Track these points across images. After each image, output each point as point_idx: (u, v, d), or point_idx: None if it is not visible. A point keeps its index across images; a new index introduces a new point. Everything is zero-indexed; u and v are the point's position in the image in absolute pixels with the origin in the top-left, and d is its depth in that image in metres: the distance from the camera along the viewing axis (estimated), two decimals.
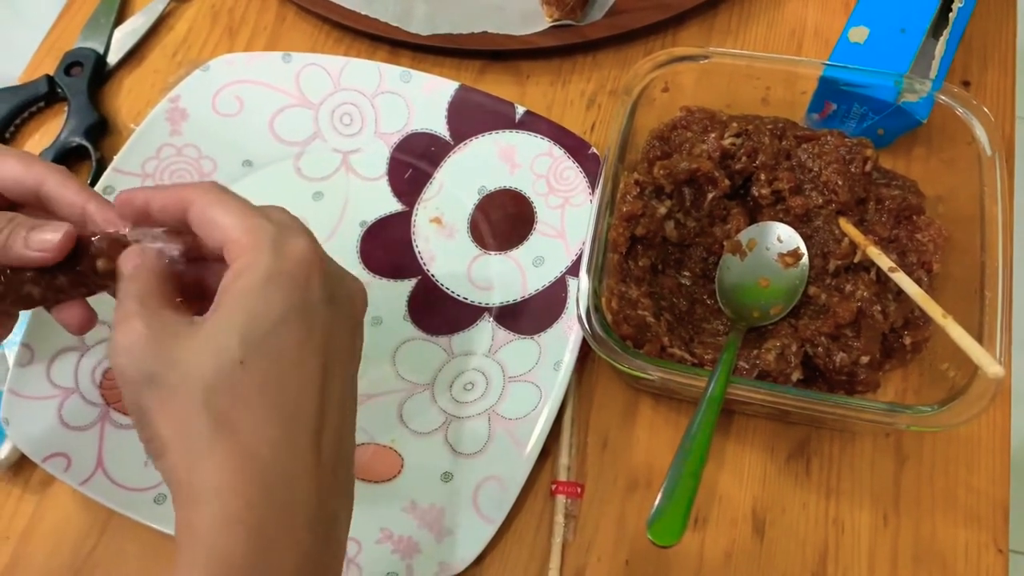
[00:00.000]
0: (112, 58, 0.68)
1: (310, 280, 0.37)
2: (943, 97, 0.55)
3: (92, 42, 0.68)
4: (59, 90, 0.66)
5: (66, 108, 0.65)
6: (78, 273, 0.42)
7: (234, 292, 0.36)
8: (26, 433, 0.52)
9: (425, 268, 0.59)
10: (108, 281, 0.42)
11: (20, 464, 0.54)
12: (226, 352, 0.35)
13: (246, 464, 0.34)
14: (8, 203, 0.44)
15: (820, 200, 0.55)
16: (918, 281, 0.51)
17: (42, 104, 0.66)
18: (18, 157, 0.43)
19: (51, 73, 0.67)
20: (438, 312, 0.57)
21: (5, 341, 0.55)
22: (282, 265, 0.36)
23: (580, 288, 0.49)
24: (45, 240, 0.40)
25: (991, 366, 0.43)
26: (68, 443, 0.52)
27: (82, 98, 0.65)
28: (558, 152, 0.60)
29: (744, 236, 0.55)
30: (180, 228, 0.40)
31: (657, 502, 0.42)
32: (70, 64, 0.67)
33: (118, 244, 0.41)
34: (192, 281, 0.42)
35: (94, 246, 0.41)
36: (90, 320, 0.44)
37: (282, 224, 0.38)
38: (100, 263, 0.42)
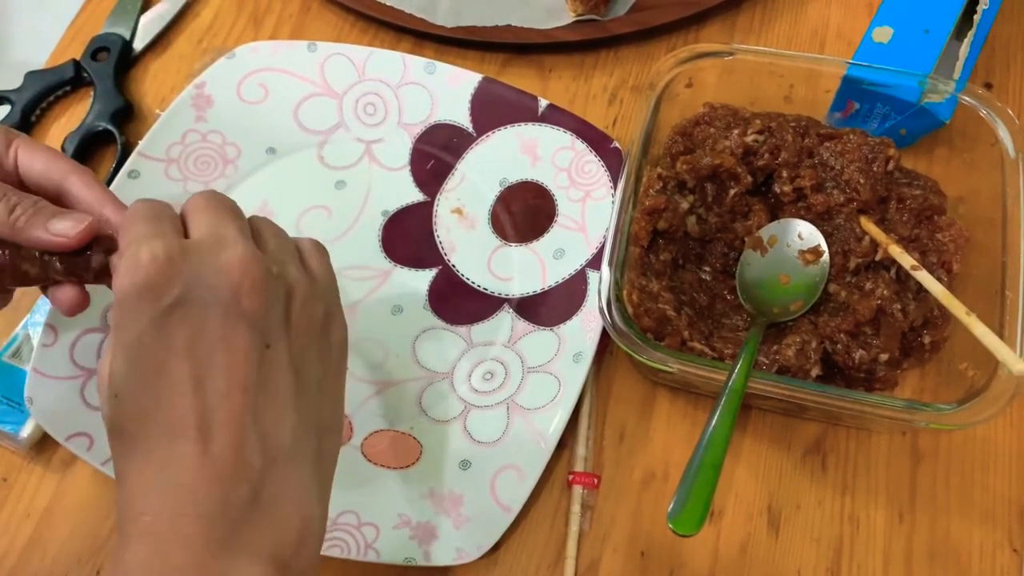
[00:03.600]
0: (138, 44, 0.68)
1: (154, 290, 0.35)
2: (966, 98, 0.55)
3: (118, 28, 0.68)
4: (85, 75, 0.67)
5: (92, 93, 0.66)
6: (75, 263, 0.43)
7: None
8: (49, 412, 0.52)
9: (446, 258, 0.59)
10: (102, 277, 0.44)
11: (43, 443, 0.54)
12: (104, 392, 0.37)
13: (136, 484, 0.35)
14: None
15: (841, 198, 0.55)
16: (938, 280, 0.51)
17: (68, 88, 0.67)
18: (47, 151, 0.45)
19: (77, 58, 0.67)
20: (458, 302, 0.58)
21: (29, 320, 0.56)
22: (126, 283, 0.36)
23: (602, 280, 0.50)
24: (67, 227, 0.41)
25: (1016, 364, 0.43)
26: (91, 423, 0.52)
27: (108, 83, 0.66)
28: (580, 146, 0.60)
29: (765, 232, 0.55)
30: None
31: (678, 491, 0.42)
32: (96, 49, 0.67)
33: (114, 244, 0.43)
34: None
35: (95, 243, 0.43)
36: (80, 303, 0.45)
37: (142, 236, 0.37)
38: (95, 260, 0.43)
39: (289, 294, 0.38)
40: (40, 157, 0.45)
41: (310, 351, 0.39)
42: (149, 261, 0.35)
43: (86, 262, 0.43)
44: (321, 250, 0.43)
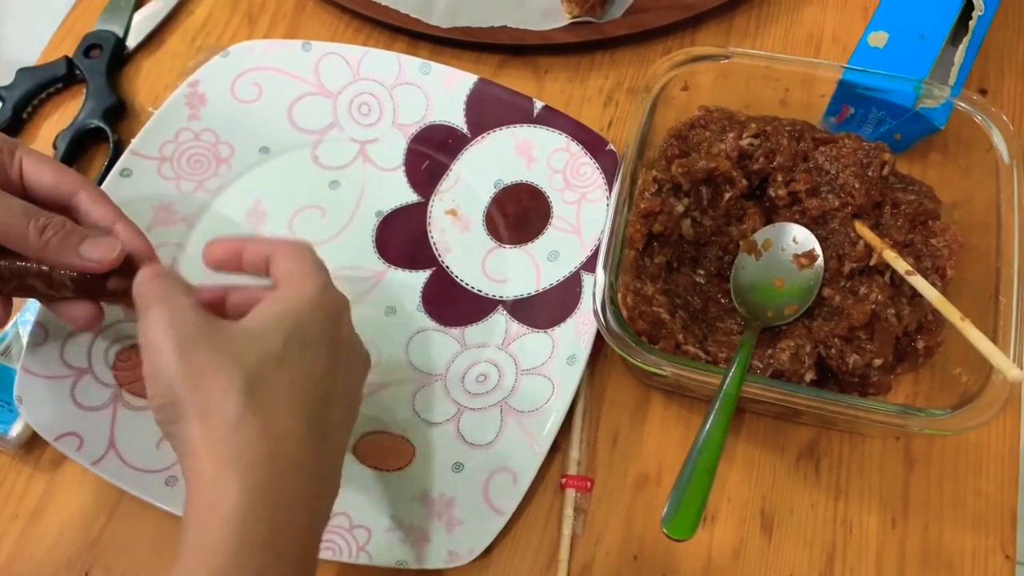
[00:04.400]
0: (131, 41, 0.68)
1: (340, 323, 0.43)
2: (962, 104, 0.55)
3: (111, 25, 0.68)
4: (77, 72, 0.66)
5: (84, 90, 0.65)
6: (91, 285, 0.44)
7: (282, 304, 0.40)
8: (39, 412, 0.52)
9: (440, 259, 0.59)
10: (116, 298, 0.45)
11: (32, 443, 0.54)
12: (270, 348, 0.38)
13: (271, 444, 0.37)
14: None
15: (836, 203, 0.55)
16: (932, 286, 0.51)
17: (60, 86, 0.66)
18: (54, 164, 0.47)
19: (70, 55, 0.67)
20: (452, 303, 0.57)
21: (19, 319, 0.55)
22: (325, 300, 0.42)
23: (596, 283, 0.50)
24: (100, 254, 0.44)
25: (1011, 369, 0.43)
26: (80, 423, 0.52)
27: (100, 80, 0.65)
28: (575, 148, 0.60)
29: (760, 236, 0.55)
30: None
31: (671, 496, 0.42)
32: (89, 46, 0.67)
33: (133, 264, 0.44)
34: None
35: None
36: (97, 319, 0.47)
37: (327, 274, 0.43)
38: (113, 282, 0.44)
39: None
40: (47, 170, 0.46)
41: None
42: (341, 301, 0.43)
43: (102, 284, 0.44)
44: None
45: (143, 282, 0.41)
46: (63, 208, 0.46)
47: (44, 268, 0.44)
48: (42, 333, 0.53)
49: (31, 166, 0.46)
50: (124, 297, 0.44)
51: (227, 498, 0.35)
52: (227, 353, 0.37)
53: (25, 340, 0.54)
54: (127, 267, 0.44)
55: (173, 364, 0.37)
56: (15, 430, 0.53)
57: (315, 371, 0.40)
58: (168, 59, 0.68)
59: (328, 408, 0.40)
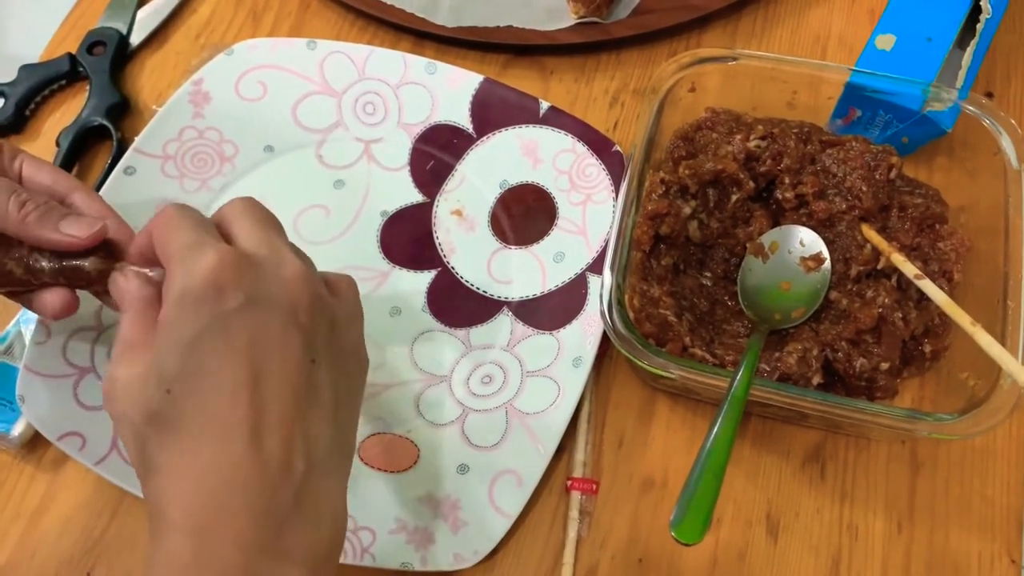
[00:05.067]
0: (135, 39, 0.68)
1: (221, 292, 0.36)
2: (969, 107, 0.55)
3: (115, 22, 0.68)
4: (80, 69, 0.66)
5: (87, 87, 0.65)
6: (68, 268, 0.44)
7: (159, 322, 0.37)
8: (41, 411, 0.51)
9: (445, 260, 0.58)
10: (93, 283, 0.44)
11: (34, 442, 0.54)
12: (153, 386, 0.36)
13: (183, 479, 0.35)
14: None
15: (844, 206, 0.55)
16: (939, 290, 0.51)
17: (63, 83, 0.66)
18: (52, 167, 0.48)
19: (73, 52, 0.66)
20: (457, 304, 0.57)
21: (21, 318, 0.55)
22: (189, 283, 0.36)
23: (603, 284, 0.49)
24: (79, 228, 0.43)
25: (1021, 374, 0.43)
26: (83, 422, 0.51)
27: (104, 78, 0.65)
28: (581, 148, 0.60)
29: (767, 239, 0.55)
30: None
31: (680, 499, 0.42)
32: (92, 43, 0.67)
33: (116, 250, 0.44)
34: None
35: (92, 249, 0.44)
36: (70, 307, 0.46)
37: (196, 242, 0.37)
38: (91, 264, 0.43)
39: (333, 318, 0.40)
40: (46, 171, 0.47)
41: (343, 374, 0.40)
42: (216, 263, 0.36)
43: (79, 267, 0.44)
44: (352, 282, 0.44)
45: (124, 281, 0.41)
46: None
47: (21, 252, 0.44)
48: (45, 332, 0.53)
49: (30, 167, 0.47)
50: (100, 281, 0.43)
51: (157, 535, 0.35)
52: (122, 402, 0.37)
53: (28, 339, 0.53)
54: (107, 250, 0.44)
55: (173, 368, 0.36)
56: (17, 429, 0.53)
57: (206, 381, 0.36)
58: (172, 57, 0.68)
59: (242, 402, 0.36)
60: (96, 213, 0.46)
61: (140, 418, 0.36)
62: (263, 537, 0.35)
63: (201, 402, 0.35)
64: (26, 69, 0.66)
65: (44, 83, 0.65)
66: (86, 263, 0.44)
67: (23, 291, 0.46)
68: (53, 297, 0.45)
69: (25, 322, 0.55)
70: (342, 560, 0.48)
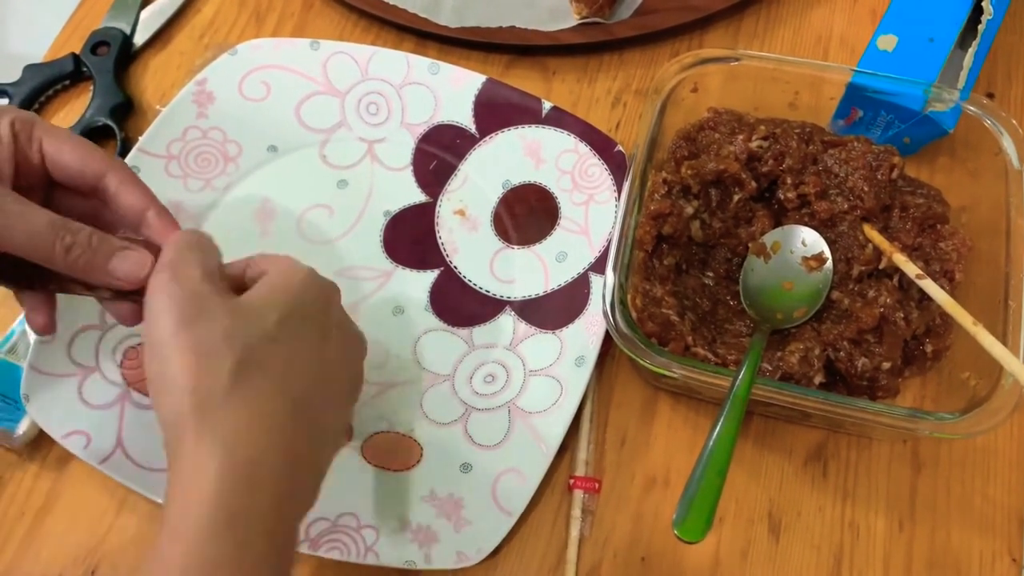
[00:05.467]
0: (138, 39, 0.68)
1: (330, 305, 0.43)
2: (971, 108, 0.55)
3: (119, 22, 0.68)
4: (84, 69, 0.66)
5: (91, 87, 0.65)
6: (128, 293, 0.43)
7: (276, 284, 0.40)
8: (46, 410, 0.52)
9: (448, 260, 0.59)
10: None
11: (39, 441, 0.54)
12: (264, 326, 0.38)
13: (254, 424, 0.37)
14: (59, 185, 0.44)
15: (845, 205, 0.55)
16: (940, 289, 0.51)
17: (67, 83, 0.66)
18: (77, 145, 0.43)
19: (77, 52, 0.66)
20: (460, 304, 0.57)
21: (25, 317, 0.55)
22: (315, 282, 0.42)
23: (606, 284, 0.50)
24: (129, 271, 0.42)
25: None
26: (88, 421, 0.52)
27: (108, 78, 0.65)
28: (584, 149, 0.60)
29: (769, 239, 0.55)
30: None
31: (683, 498, 0.42)
32: (96, 43, 0.67)
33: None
34: None
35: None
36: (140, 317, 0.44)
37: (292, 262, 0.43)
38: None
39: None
40: (69, 150, 0.43)
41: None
42: (330, 284, 0.43)
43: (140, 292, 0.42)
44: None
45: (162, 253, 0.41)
46: (91, 191, 0.44)
47: (78, 286, 0.43)
48: None
49: (52, 146, 0.43)
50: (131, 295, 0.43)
51: (206, 474, 0.35)
52: (220, 330, 0.37)
53: (32, 338, 0.54)
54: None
55: (170, 339, 0.36)
56: (22, 428, 0.53)
57: (304, 352, 0.39)
58: (176, 57, 0.68)
59: (315, 391, 0.40)
60: (136, 203, 0.43)
61: (237, 344, 0.37)
62: (285, 504, 0.38)
63: (291, 362, 0.39)
64: (30, 69, 0.66)
65: (48, 83, 0.66)
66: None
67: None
68: (126, 310, 0.44)
69: None
70: (345, 558, 0.48)
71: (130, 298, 0.43)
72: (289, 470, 0.37)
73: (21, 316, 0.56)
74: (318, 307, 0.41)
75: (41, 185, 0.44)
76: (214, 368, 0.36)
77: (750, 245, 0.55)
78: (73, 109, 0.66)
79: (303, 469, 0.39)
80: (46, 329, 0.46)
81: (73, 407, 0.52)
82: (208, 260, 0.40)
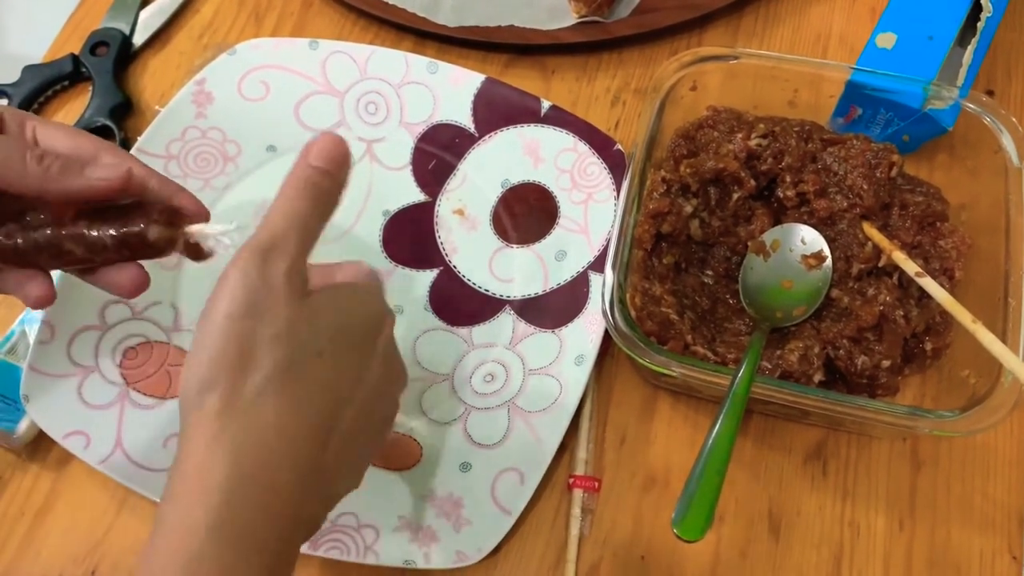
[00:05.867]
0: (137, 39, 0.68)
1: (381, 334, 0.40)
2: (970, 105, 0.55)
3: (118, 22, 0.68)
4: (84, 69, 0.66)
5: (90, 88, 0.65)
6: (126, 237, 0.41)
7: (338, 295, 0.39)
8: (45, 410, 0.52)
9: (447, 259, 0.59)
10: (158, 251, 0.42)
11: (38, 441, 0.54)
12: (316, 337, 0.36)
13: (270, 435, 0.35)
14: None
15: (845, 204, 0.55)
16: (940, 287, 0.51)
17: (66, 83, 0.66)
18: (69, 131, 0.44)
19: (76, 52, 0.66)
20: (459, 303, 0.57)
21: (25, 317, 0.55)
22: (374, 307, 0.41)
23: (605, 283, 0.50)
24: (105, 173, 0.41)
25: (1023, 371, 0.43)
26: (88, 421, 0.52)
27: (107, 78, 0.65)
28: (583, 148, 0.60)
29: (768, 237, 0.55)
30: None
31: (682, 496, 0.42)
32: (95, 44, 0.67)
33: (179, 217, 0.42)
34: None
35: (152, 213, 0.42)
36: (143, 283, 0.44)
37: (381, 285, 0.43)
38: (154, 230, 0.41)
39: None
40: (63, 134, 0.43)
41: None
42: (386, 306, 0.42)
43: (142, 235, 0.42)
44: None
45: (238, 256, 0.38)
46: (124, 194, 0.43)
47: (78, 230, 0.42)
48: (49, 331, 0.53)
49: (45, 134, 0.43)
50: (170, 248, 0.42)
51: (213, 481, 0.34)
52: (273, 331, 0.35)
53: (32, 338, 0.54)
54: (169, 218, 0.42)
55: (223, 320, 0.35)
56: (22, 428, 0.53)
57: (345, 375, 0.38)
58: (175, 57, 0.68)
59: (344, 419, 0.38)
60: (136, 175, 0.43)
61: (293, 344, 0.36)
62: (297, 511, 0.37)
63: (330, 384, 0.37)
64: (29, 70, 0.66)
65: (47, 84, 0.66)
66: (149, 235, 0.42)
67: (90, 267, 0.44)
68: (124, 277, 0.44)
69: (29, 321, 0.56)
70: (345, 557, 0.48)
71: (134, 253, 0.42)
72: (300, 495, 0.36)
73: (21, 316, 0.56)
74: (370, 333, 0.40)
75: None
76: (252, 369, 0.35)
77: (749, 243, 0.55)
78: (72, 109, 0.66)
79: (314, 496, 0.37)
80: (47, 299, 0.44)
81: (73, 407, 0.52)
82: (302, 252, 0.38)
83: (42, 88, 0.65)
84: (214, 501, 0.33)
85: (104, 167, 0.42)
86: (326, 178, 0.38)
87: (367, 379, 0.39)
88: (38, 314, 0.54)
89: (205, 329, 0.35)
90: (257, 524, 0.35)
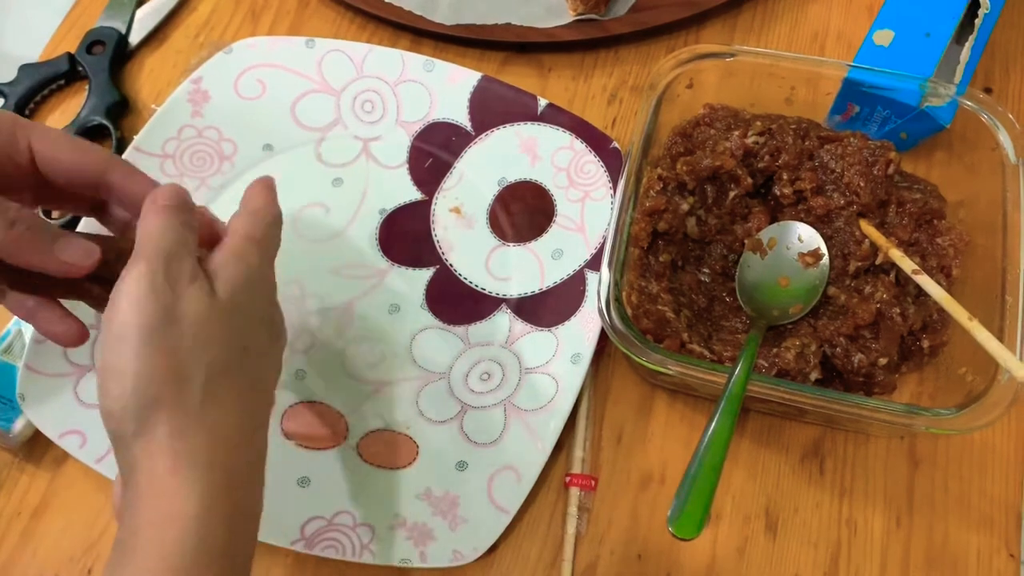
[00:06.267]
0: (134, 38, 0.68)
1: (275, 305, 0.42)
2: (967, 102, 0.54)
3: (114, 21, 0.68)
4: (80, 68, 0.66)
5: (87, 87, 0.65)
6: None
7: (241, 279, 0.39)
8: (42, 409, 0.52)
9: (443, 258, 0.59)
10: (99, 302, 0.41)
11: (34, 440, 0.54)
12: (232, 336, 0.37)
13: (223, 442, 0.36)
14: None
15: (842, 201, 0.54)
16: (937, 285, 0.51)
17: (63, 82, 0.66)
18: (71, 142, 0.41)
19: (72, 51, 0.66)
20: (455, 302, 0.57)
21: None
22: (268, 279, 0.41)
23: (601, 281, 0.50)
24: (75, 257, 0.39)
25: (1019, 369, 0.43)
26: (84, 420, 0.52)
27: (103, 77, 0.65)
28: (580, 146, 0.60)
29: (765, 235, 0.55)
30: None
31: (677, 495, 0.42)
32: (92, 43, 0.67)
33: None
34: None
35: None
36: (82, 335, 0.43)
37: (275, 239, 0.43)
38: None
39: None
40: (66, 148, 0.41)
41: None
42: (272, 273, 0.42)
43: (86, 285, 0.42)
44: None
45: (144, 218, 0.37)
46: (90, 188, 0.41)
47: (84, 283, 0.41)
48: None
49: (42, 144, 0.40)
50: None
51: (187, 501, 0.33)
52: (195, 338, 0.35)
53: (28, 337, 0.54)
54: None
55: (141, 335, 0.34)
56: (18, 427, 0.53)
57: (257, 362, 0.38)
58: (171, 56, 0.68)
59: (259, 401, 0.38)
60: (143, 191, 0.40)
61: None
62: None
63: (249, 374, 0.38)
64: (25, 69, 0.66)
65: (43, 83, 0.66)
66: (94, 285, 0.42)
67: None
68: (62, 327, 0.42)
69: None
70: (341, 556, 0.48)
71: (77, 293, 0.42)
72: (259, 485, 0.36)
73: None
74: (269, 308, 0.40)
75: (28, 185, 0.41)
76: (189, 379, 0.34)
77: (746, 241, 0.55)
78: (68, 108, 0.66)
79: (260, 490, 0.38)
80: (81, 336, 0.43)
81: (69, 407, 0.52)
82: (192, 245, 0.38)
83: (38, 87, 0.65)
84: (191, 525, 0.33)
85: (74, 248, 0.39)
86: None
87: (276, 348, 0.41)
88: None
89: (118, 348, 0.34)
90: (235, 531, 0.34)
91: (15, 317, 0.55)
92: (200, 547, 0.33)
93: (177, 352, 0.34)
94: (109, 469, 0.50)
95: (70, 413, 0.52)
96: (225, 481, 0.34)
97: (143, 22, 0.68)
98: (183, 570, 0.32)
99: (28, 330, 0.54)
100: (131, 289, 0.35)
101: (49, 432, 0.51)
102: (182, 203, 0.39)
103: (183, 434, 0.34)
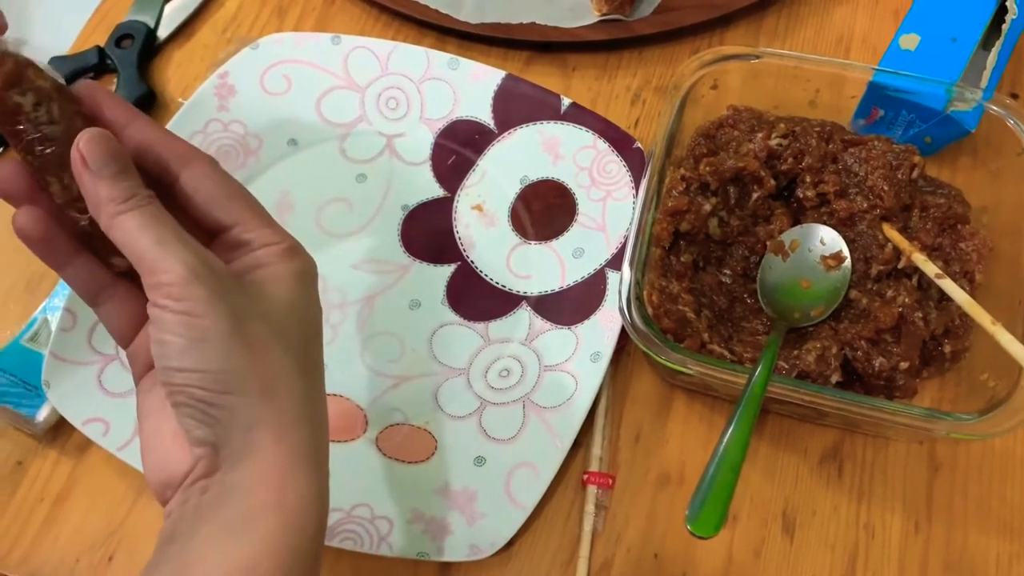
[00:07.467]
0: (162, 32, 0.69)
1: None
2: (993, 107, 0.54)
3: (143, 15, 0.69)
4: (109, 61, 0.67)
5: (115, 80, 0.66)
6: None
7: (297, 277, 0.37)
8: (66, 397, 0.52)
9: (465, 254, 0.59)
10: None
11: (58, 427, 0.54)
12: (306, 327, 0.37)
13: (321, 434, 0.37)
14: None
15: (865, 205, 0.54)
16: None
17: (91, 75, 0.67)
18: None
19: (102, 44, 0.67)
20: (476, 298, 0.57)
21: (48, 305, 0.56)
22: (314, 274, 0.40)
23: (623, 280, 0.50)
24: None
25: None
26: (107, 408, 0.52)
27: (131, 70, 0.66)
28: (602, 145, 0.60)
29: (787, 237, 0.55)
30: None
31: (696, 493, 0.42)
32: (121, 36, 0.67)
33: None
34: None
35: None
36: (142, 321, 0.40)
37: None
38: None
39: None
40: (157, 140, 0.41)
41: None
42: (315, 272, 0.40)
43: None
44: None
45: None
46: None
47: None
48: (70, 319, 0.54)
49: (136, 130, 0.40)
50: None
51: (298, 496, 0.33)
52: (275, 325, 0.34)
53: (54, 326, 0.54)
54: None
55: (228, 331, 0.32)
56: (42, 414, 0.54)
57: (320, 351, 0.39)
58: (198, 50, 0.69)
59: (321, 374, 0.39)
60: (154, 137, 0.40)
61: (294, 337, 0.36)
62: None
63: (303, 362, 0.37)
64: (55, 61, 0.67)
65: (72, 75, 0.66)
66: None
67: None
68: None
69: (51, 309, 0.56)
70: (359, 548, 0.49)
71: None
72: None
73: (43, 304, 0.57)
74: (317, 299, 0.39)
75: None
76: (285, 369, 0.34)
77: (768, 243, 0.55)
78: None
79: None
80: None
81: (93, 394, 0.53)
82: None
83: (68, 80, 0.66)
84: (306, 521, 0.33)
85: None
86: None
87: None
88: (60, 302, 0.55)
89: (200, 322, 0.33)
90: (322, 535, 0.35)
91: (42, 305, 0.56)
92: (305, 542, 0.33)
93: (258, 343, 0.34)
94: (132, 456, 0.51)
95: (94, 401, 0.52)
96: (325, 477, 0.36)
97: (171, 17, 0.69)
98: (294, 562, 0.32)
99: (54, 319, 0.55)
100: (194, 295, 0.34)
101: (73, 419, 0.52)
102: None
103: (293, 424, 0.34)
